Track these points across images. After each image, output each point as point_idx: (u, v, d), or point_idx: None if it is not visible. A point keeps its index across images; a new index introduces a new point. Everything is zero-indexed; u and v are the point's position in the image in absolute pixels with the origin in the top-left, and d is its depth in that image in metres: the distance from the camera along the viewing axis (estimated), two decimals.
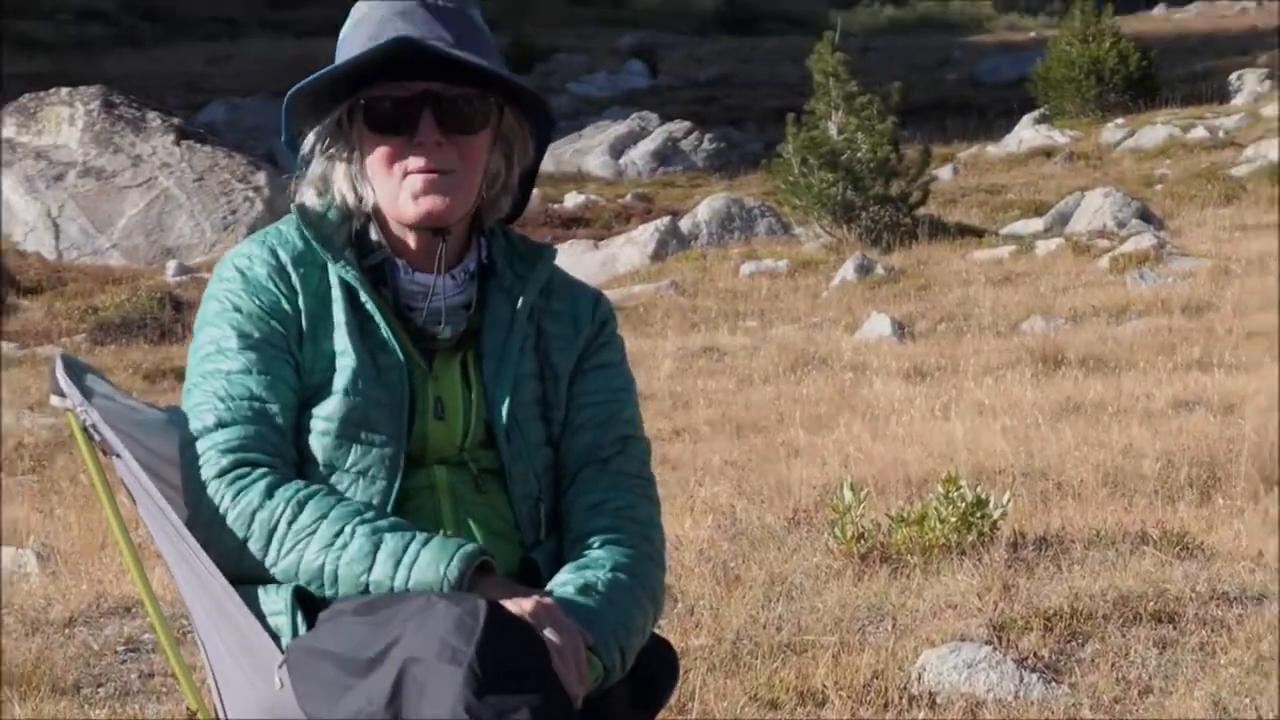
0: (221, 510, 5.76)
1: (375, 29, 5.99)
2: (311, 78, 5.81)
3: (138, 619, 12.25)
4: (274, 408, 5.81)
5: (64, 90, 44.71)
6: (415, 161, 5.91)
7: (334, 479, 5.86)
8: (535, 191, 6.51)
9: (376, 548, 5.62)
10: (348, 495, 5.81)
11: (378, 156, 5.93)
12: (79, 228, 35.47)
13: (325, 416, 5.87)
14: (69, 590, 13.32)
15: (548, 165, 44.53)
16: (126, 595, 12.65)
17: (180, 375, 21.51)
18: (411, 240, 6.05)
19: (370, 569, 5.60)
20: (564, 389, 6.19)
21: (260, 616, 5.73)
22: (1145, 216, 37.29)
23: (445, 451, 6.01)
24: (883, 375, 24.25)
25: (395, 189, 5.91)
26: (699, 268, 37.00)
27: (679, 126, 62.55)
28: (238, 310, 5.86)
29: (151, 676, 11.28)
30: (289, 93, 5.85)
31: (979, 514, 12.49)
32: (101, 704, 10.81)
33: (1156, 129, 51.67)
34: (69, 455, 18.15)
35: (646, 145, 56.80)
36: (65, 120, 39.01)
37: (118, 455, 5.88)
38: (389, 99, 5.94)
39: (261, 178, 39.19)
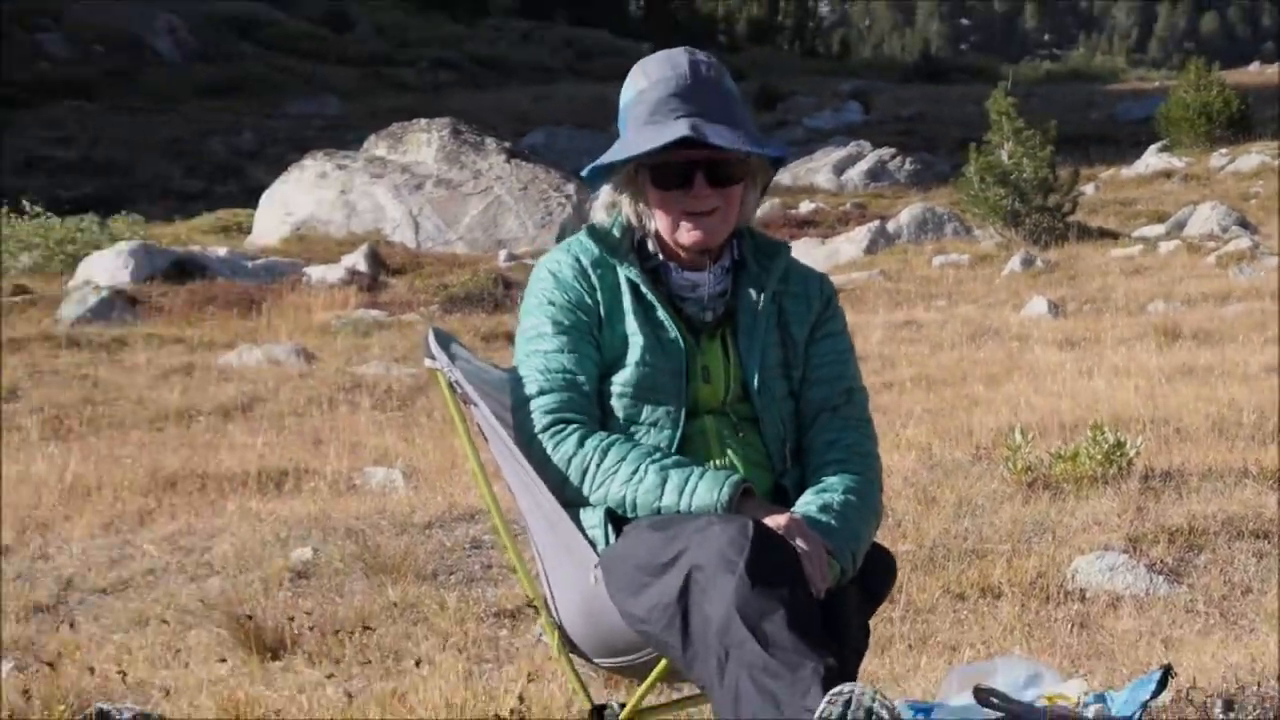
0: (547, 455, 5.85)
1: (655, 107, 6.08)
2: (617, 159, 6.07)
3: (479, 524, 12.68)
4: (581, 378, 6.03)
5: (423, 120, 44.95)
6: (691, 205, 6.00)
7: (630, 430, 5.99)
8: (777, 200, 6.69)
9: (664, 480, 5.73)
10: (641, 441, 5.91)
11: (660, 203, 6.08)
12: (433, 224, 35.76)
13: (622, 383, 6.05)
14: (427, 501, 13.74)
15: (786, 179, 45.09)
16: (471, 506, 13.18)
17: (508, 338, 22.06)
18: (683, 251, 6.04)
19: (661, 497, 5.73)
20: (801, 353, 6.23)
21: (580, 530, 5.91)
22: (1243, 224, 36.94)
23: (711, 405, 6.11)
24: (1041, 344, 23.38)
25: (673, 225, 6.07)
26: (901, 260, 36.72)
27: (886, 152, 58.60)
28: (551, 304, 6.09)
29: (490, 568, 11.74)
30: (596, 164, 6.18)
31: (1118, 453, 12.56)
32: (453, 588, 11.26)
33: (1251, 156, 50.95)
34: (426, 398, 18.15)
35: (861, 166, 53.62)
36: (424, 143, 39.64)
37: (475, 404, 6.28)
38: (672, 165, 5.96)
39: (570, 188, 39.73)
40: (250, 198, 47.97)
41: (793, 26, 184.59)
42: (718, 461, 5.95)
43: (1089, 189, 44.83)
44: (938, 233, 34.19)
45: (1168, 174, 55.58)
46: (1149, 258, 35.41)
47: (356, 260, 28.73)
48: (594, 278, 6.08)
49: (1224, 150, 55.97)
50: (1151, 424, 14.61)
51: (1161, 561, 10.84)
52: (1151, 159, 61.11)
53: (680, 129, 5.85)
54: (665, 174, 5.99)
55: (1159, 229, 41.45)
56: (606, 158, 6.06)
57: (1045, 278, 28.44)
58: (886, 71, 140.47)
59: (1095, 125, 79.20)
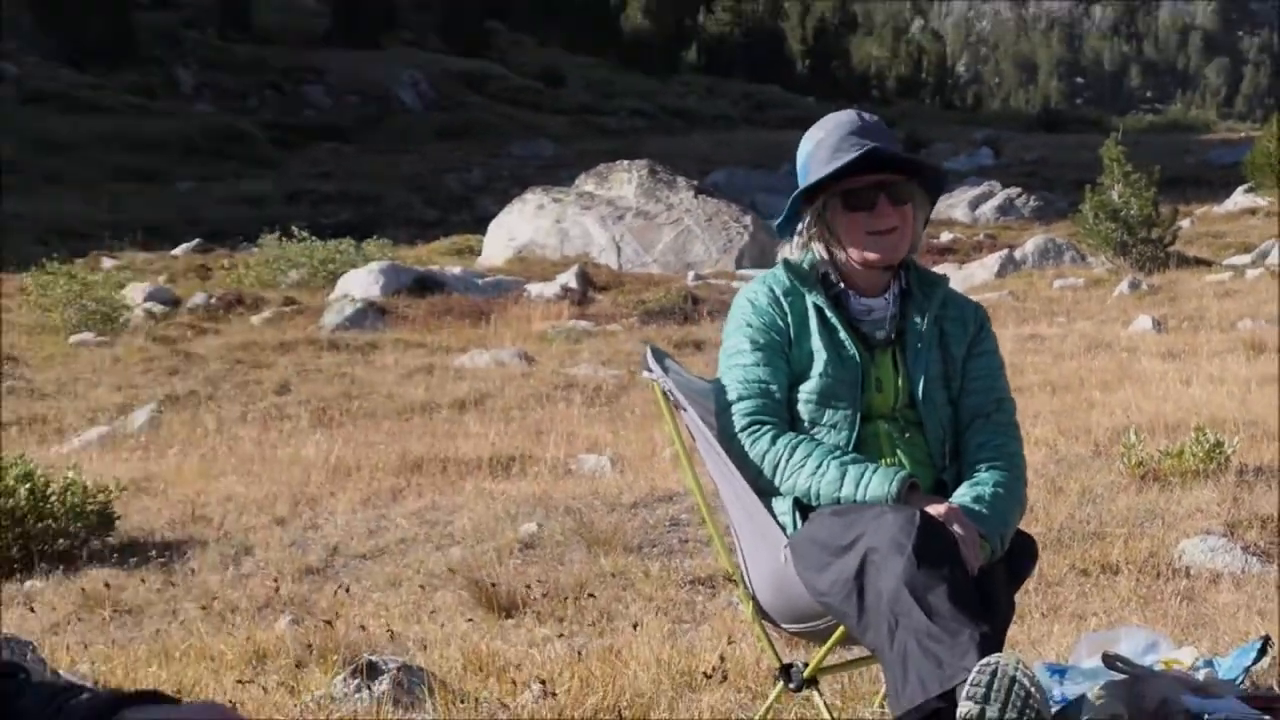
0: (745, 451, 5.98)
1: (838, 144, 6.21)
2: (815, 180, 6.14)
3: (677, 504, 12.66)
4: (774, 387, 6.12)
5: (624, 161, 45.26)
6: (875, 225, 6.08)
7: (814, 431, 6.08)
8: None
9: (844, 474, 5.86)
10: (823, 441, 5.97)
11: (848, 226, 6.14)
12: (632, 249, 35.87)
13: (808, 391, 6.13)
14: (632, 484, 13.80)
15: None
16: (669, 489, 13.24)
17: (696, 345, 21.87)
18: (860, 278, 6.24)
19: (840, 488, 5.85)
20: (959, 368, 6.33)
21: (772, 516, 5.99)
22: None
23: (883, 412, 6.19)
24: (1147, 355, 22.60)
25: (862, 243, 6.11)
26: (1026, 282, 35.68)
27: (1014, 191, 59.62)
28: (749, 325, 6.18)
29: (686, 542, 11.72)
30: (799, 191, 6.24)
31: (1218, 451, 12.47)
32: (655, 559, 11.34)
33: None
34: (628, 396, 18.01)
35: (992, 202, 54.00)
36: (625, 180, 39.98)
37: (684, 409, 6.34)
38: (860, 189, 6.09)
39: (748, 219, 40.14)
40: (479, 225, 49.24)
41: (933, 83, 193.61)
42: (888, 460, 6.01)
43: (1186, 224, 44.69)
44: (1058, 260, 34.26)
45: (1253, 211, 54.71)
46: (1238, 283, 33.91)
47: (568, 279, 29.12)
48: (785, 304, 6.13)
49: None
50: (1244, 425, 14.48)
51: (1256, 544, 10.67)
52: (1239, 198, 60.52)
53: (867, 147, 6.03)
54: (854, 197, 6.08)
55: (1246, 258, 40.76)
56: (806, 182, 6.15)
57: (1149, 299, 28.47)
58: (1013, 122, 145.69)
59: (1191, 169, 78.71)
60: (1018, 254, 32.60)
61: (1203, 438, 12.67)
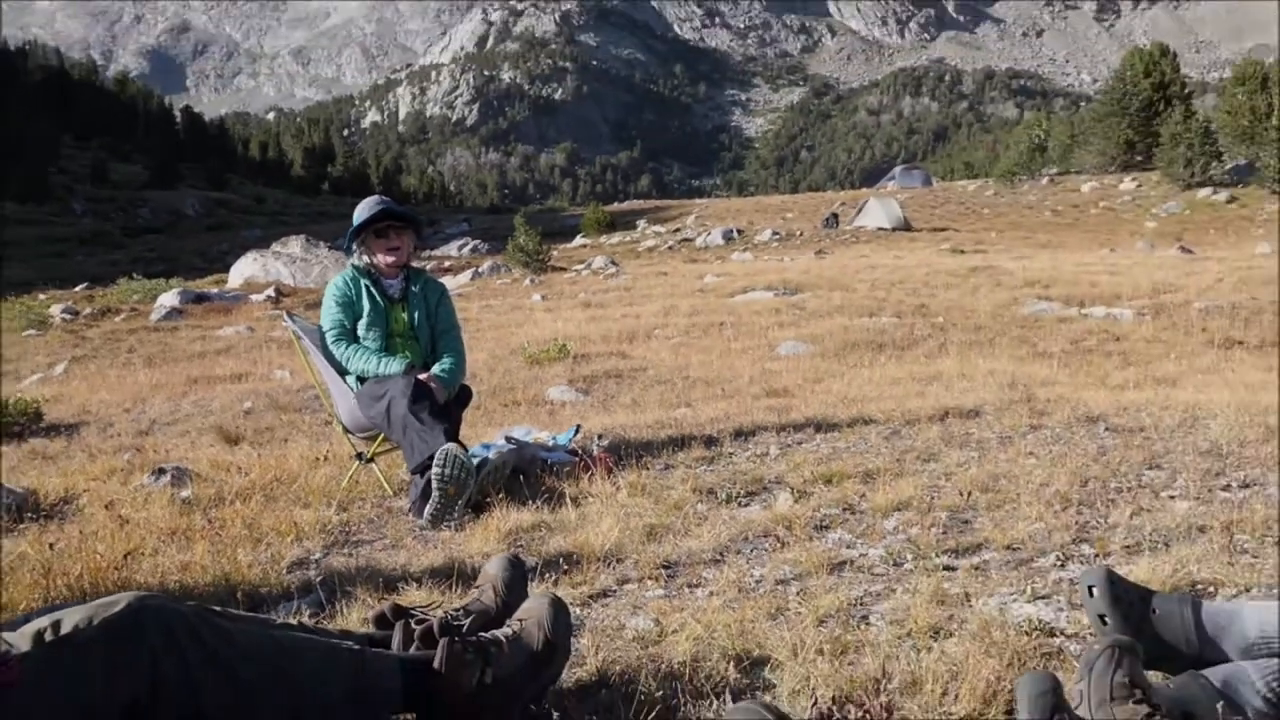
0: (334, 352, 6.05)
1: (371, 207, 6.15)
2: (358, 225, 6.11)
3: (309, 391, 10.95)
4: (347, 323, 6.05)
5: (296, 235, 42.11)
6: (389, 245, 6.10)
7: (364, 342, 6.03)
8: None
9: (380, 362, 5.91)
10: (369, 347, 5.98)
11: (376, 246, 6.13)
12: (298, 277, 31.95)
13: (363, 325, 6.07)
14: (300, 383, 12.12)
15: None
16: (308, 384, 11.47)
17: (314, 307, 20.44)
18: (384, 270, 6.07)
19: (379, 368, 5.90)
20: (434, 311, 6.24)
21: (346, 384, 6.05)
22: None
23: (399, 331, 6.10)
24: (538, 311, 21.62)
25: (383, 258, 6.06)
26: (484, 282, 29.67)
27: (480, 241, 46.02)
28: (337, 292, 6.12)
29: (320, 409, 9.97)
30: (352, 230, 6.17)
31: (564, 349, 13.07)
32: (306, 415, 9.99)
33: None
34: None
35: (468, 246, 47.39)
36: (294, 243, 35.33)
37: (303, 338, 6.27)
38: (383, 226, 6.08)
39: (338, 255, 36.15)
40: (226, 269, 36.51)
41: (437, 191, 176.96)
42: (401, 354, 5.99)
43: (556, 252, 40.99)
44: (498, 271, 32.34)
45: (585, 246, 45.08)
46: (580, 278, 31.85)
47: (270, 291, 27.36)
48: (354, 286, 6.05)
49: None
50: (575, 340, 14.45)
51: (579, 386, 10.84)
52: (579, 240, 48.64)
53: (379, 204, 6.13)
54: (380, 231, 6.06)
55: (583, 266, 37.78)
56: (357, 224, 6.07)
57: (540, 288, 27.40)
58: (478, 208, 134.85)
59: (554, 225, 75.67)
60: (480, 269, 31.90)
61: (557, 344, 12.79)
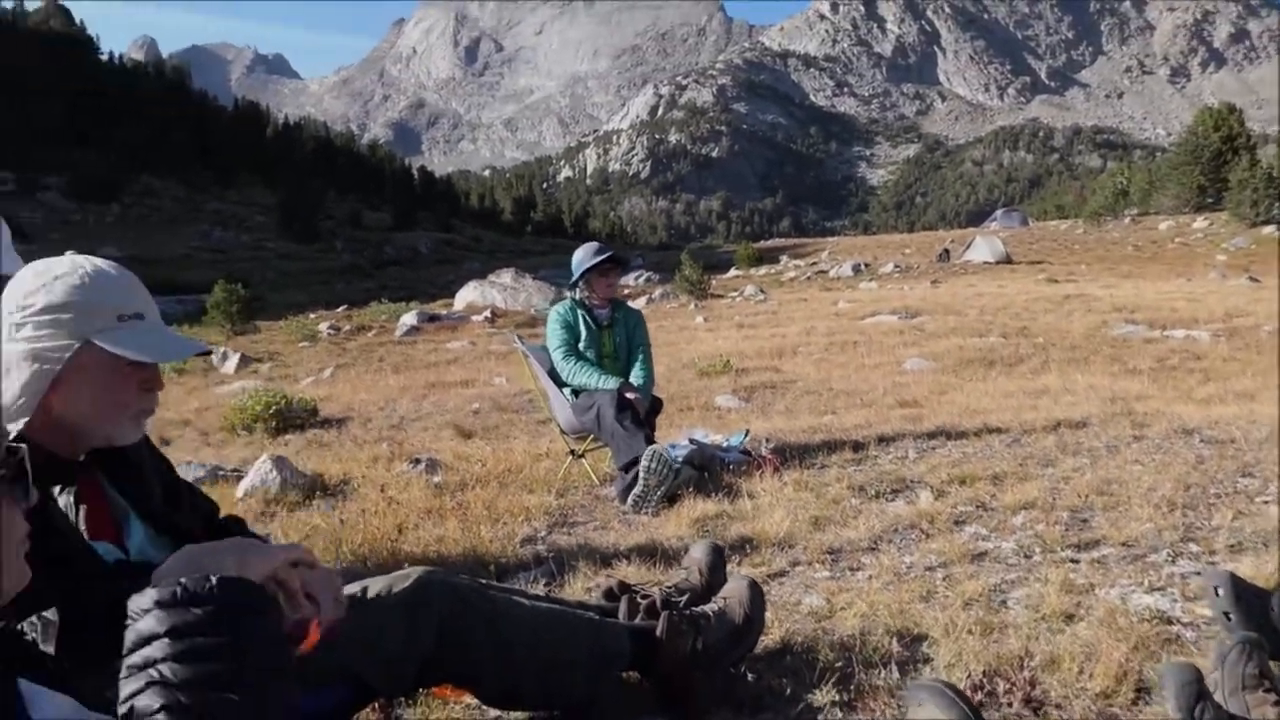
0: (558, 366, 5.96)
1: (597, 251, 6.11)
2: (590, 265, 6.03)
3: (526, 397, 10.88)
4: (571, 340, 5.94)
5: (507, 269, 42.38)
6: (609, 281, 6.10)
7: (584, 359, 5.90)
8: None
9: (600, 377, 5.78)
10: (590, 366, 5.88)
11: (599, 282, 6.10)
12: (509, 301, 31.95)
13: (581, 345, 5.95)
14: (515, 388, 12.09)
15: None
16: (527, 389, 11.47)
17: (530, 328, 20.08)
18: (599, 301, 6.03)
19: (598, 383, 5.77)
20: (629, 335, 6.22)
21: (563, 394, 5.94)
22: None
23: (607, 352, 6.01)
24: (701, 331, 21.02)
25: (604, 292, 6.13)
26: (656, 306, 29.39)
27: (653, 273, 45.01)
28: (559, 317, 6.02)
29: (535, 409, 9.98)
30: (581, 270, 6.08)
31: (727, 364, 12.74)
32: (525, 414, 10.02)
33: None
34: (511, 355, 17.34)
35: (643, 277, 43.88)
36: (506, 275, 35.30)
37: (529, 356, 6.18)
38: (607, 266, 6.03)
39: (545, 285, 35.29)
40: (452, 294, 35.73)
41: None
42: (611, 372, 5.86)
43: (715, 280, 37.65)
44: (669, 297, 32.53)
45: (740, 277, 43.63)
46: (736, 303, 29.09)
47: (487, 313, 27.84)
48: (571, 312, 5.97)
49: None
50: (735, 355, 14.28)
51: (741, 395, 10.67)
52: (734, 271, 47.16)
53: (601, 251, 6.07)
54: (601, 268, 5.96)
55: (738, 294, 37.67)
56: (583, 268, 5.99)
57: (702, 311, 27.41)
58: (648, 245, 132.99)
59: (718, 260, 73.63)
60: (653, 295, 31.91)
61: (721, 360, 12.67)
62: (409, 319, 25.97)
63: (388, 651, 2.24)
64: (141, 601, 1.29)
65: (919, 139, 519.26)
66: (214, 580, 1.30)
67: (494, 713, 2.71)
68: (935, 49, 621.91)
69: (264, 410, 10.18)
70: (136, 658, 1.25)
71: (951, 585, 3.55)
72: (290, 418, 10.26)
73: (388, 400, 12.18)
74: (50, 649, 1.63)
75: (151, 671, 1.22)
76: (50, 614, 1.63)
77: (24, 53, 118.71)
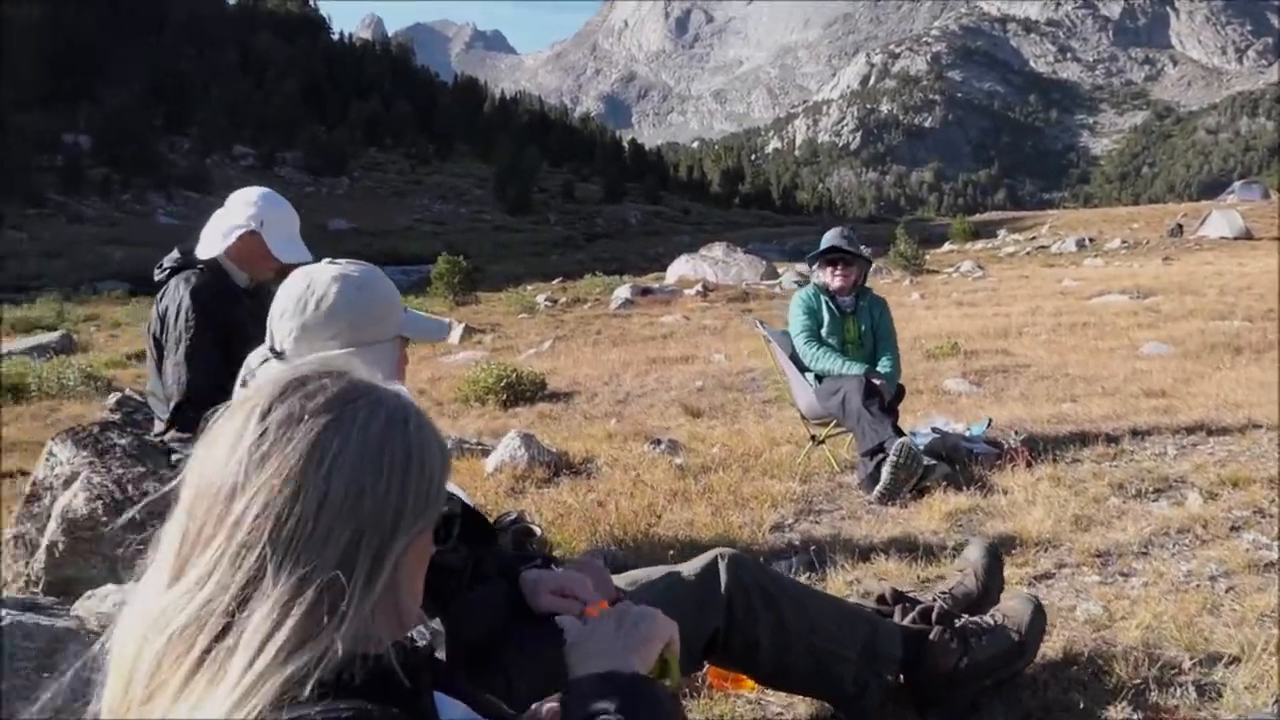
0: (801, 351, 5.89)
1: (828, 240, 6.06)
2: (817, 253, 6.04)
3: (750, 375, 10.64)
4: (812, 326, 5.88)
5: (720, 242, 42.18)
6: (834, 272, 5.98)
7: (827, 345, 5.82)
8: None
9: (842, 363, 5.70)
10: (831, 348, 5.80)
11: (824, 271, 6.03)
12: (720, 275, 31.74)
13: (824, 331, 5.88)
14: (733, 366, 11.82)
15: None
16: (748, 367, 11.32)
17: (748, 309, 19.75)
18: (836, 290, 5.98)
19: (841, 368, 5.68)
20: (877, 322, 6.10)
21: (804, 379, 5.91)
22: None
23: (851, 339, 5.90)
24: (919, 308, 21.43)
25: (828, 281, 6.00)
26: (873, 282, 31.41)
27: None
28: (802, 303, 5.98)
29: (760, 389, 9.82)
30: (812, 255, 6.13)
31: (954, 346, 12.35)
32: (748, 393, 9.85)
33: None
34: (727, 330, 17.18)
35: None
36: (716, 248, 34.95)
37: (770, 340, 6.20)
38: (834, 253, 5.97)
39: (760, 260, 34.55)
40: (664, 268, 36.01)
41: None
42: (853, 357, 5.79)
43: (928, 256, 36.21)
44: (879, 273, 31.69)
45: (956, 251, 41.12)
46: (952, 279, 28.26)
47: (699, 287, 27.34)
48: (814, 297, 5.96)
49: None
50: (961, 336, 13.81)
51: (971, 379, 10.33)
52: (949, 245, 45.39)
53: (831, 242, 5.98)
54: (830, 256, 5.95)
55: (953, 270, 36.04)
56: (816, 252, 6.03)
57: (918, 288, 26.61)
58: (856, 218, 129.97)
59: (933, 231, 70.44)
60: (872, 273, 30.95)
61: (949, 341, 12.31)
62: (623, 292, 26.31)
63: (682, 626, 2.33)
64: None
65: (1147, 105, 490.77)
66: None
67: (772, 710, 2.75)
68: (1168, 9, 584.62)
69: (495, 383, 10.48)
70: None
71: (1239, 598, 3.36)
72: (520, 390, 10.58)
73: (611, 375, 12.28)
74: (441, 656, 1.76)
75: None
76: (436, 624, 1.76)
77: (263, 35, 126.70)
